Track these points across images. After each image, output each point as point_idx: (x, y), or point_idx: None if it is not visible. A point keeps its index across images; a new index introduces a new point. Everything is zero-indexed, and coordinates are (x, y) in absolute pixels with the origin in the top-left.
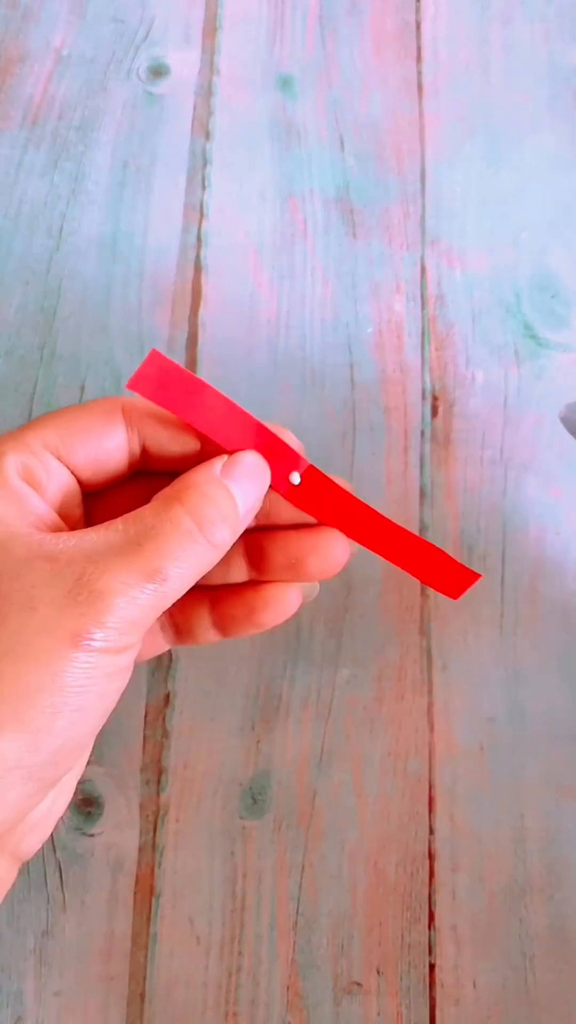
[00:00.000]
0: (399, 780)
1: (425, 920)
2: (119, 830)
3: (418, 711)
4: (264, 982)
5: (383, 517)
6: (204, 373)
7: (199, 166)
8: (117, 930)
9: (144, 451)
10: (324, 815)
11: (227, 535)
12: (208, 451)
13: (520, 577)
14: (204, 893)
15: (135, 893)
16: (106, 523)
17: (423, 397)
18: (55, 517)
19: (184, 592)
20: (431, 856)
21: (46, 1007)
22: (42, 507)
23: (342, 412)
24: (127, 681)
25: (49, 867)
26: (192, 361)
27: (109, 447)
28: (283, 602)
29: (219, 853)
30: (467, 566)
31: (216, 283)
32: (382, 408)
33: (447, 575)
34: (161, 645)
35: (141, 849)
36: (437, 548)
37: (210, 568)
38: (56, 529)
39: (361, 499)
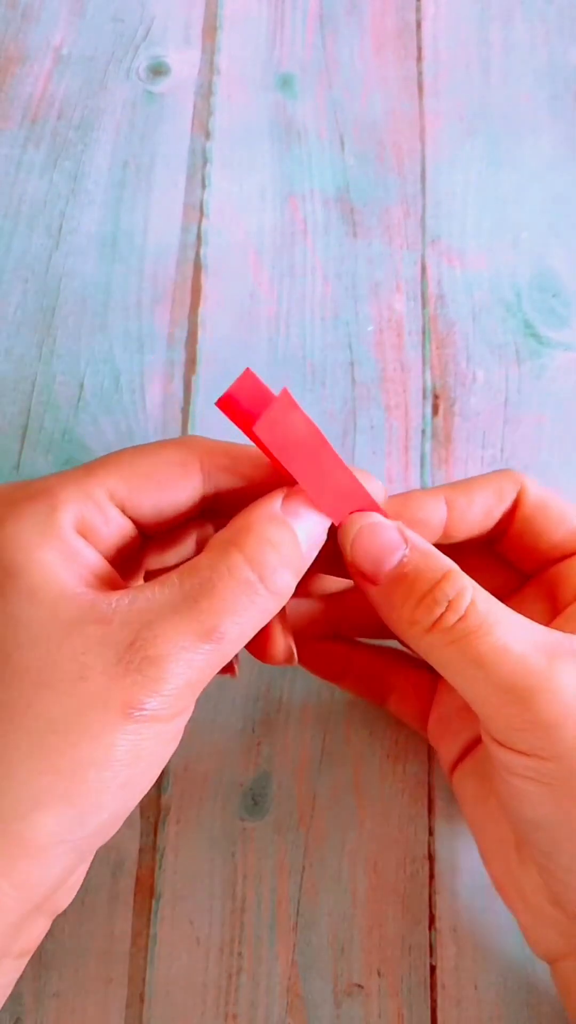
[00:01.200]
0: (399, 781)
1: (426, 921)
2: (119, 831)
3: None
4: (264, 983)
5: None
6: (204, 373)
7: (199, 165)
8: (117, 931)
9: (216, 496)
10: (324, 816)
11: (290, 580)
12: (273, 482)
13: None
14: (204, 894)
15: (135, 894)
16: (162, 577)
17: (423, 396)
18: (108, 569)
19: (245, 644)
20: (431, 857)
21: (45, 1008)
22: (96, 560)
23: (342, 411)
24: (177, 744)
25: None
26: (192, 360)
27: (181, 500)
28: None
29: (219, 854)
30: None
31: (216, 282)
32: (382, 407)
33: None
34: None
35: (141, 850)
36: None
37: (272, 617)
38: (110, 583)
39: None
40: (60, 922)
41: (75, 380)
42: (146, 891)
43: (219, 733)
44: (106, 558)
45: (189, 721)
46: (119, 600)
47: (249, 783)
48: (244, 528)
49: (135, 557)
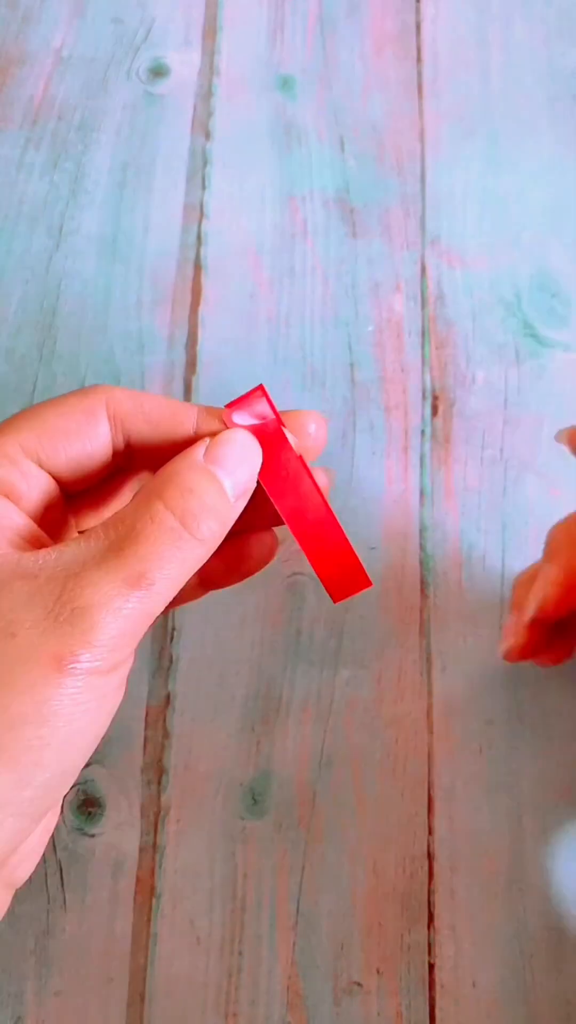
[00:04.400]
0: (399, 780)
1: (425, 920)
2: (120, 831)
3: (418, 712)
4: (264, 982)
5: (324, 503)
6: (204, 373)
7: (199, 166)
8: (117, 930)
9: (129, 446)
10: (324, 815)
11: (215, 527)
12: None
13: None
14: (204, 893)
15: (135, 893)
16: (88, 531)
17: (423, 396)
18: (35, 530)
19: (176, 592)
20: (430, 856)
21: (46, 1007)
22: (21, 520)
23: (342, 412)
24: (121, 699)
25: (49, 867)
26: (192, 361)
27: (93, 448)
28: (264, 548)
29: (219, 853)
30: (365, 572)
31: (216, 283)
32: (382, 408)
33: (342, 573)
34: None
35: (142, 850)
36: (347, 542)
37: (203, 563)
38: (38, 542)
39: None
40: (61, 921)
41: (76, 381)
42: (146, 891)
43: (219, 732)
44: (31, 517)
45: (189, 720)
46: (45, 556)
47: (249, 782)
48: (167, 478)
49: (62, 515)
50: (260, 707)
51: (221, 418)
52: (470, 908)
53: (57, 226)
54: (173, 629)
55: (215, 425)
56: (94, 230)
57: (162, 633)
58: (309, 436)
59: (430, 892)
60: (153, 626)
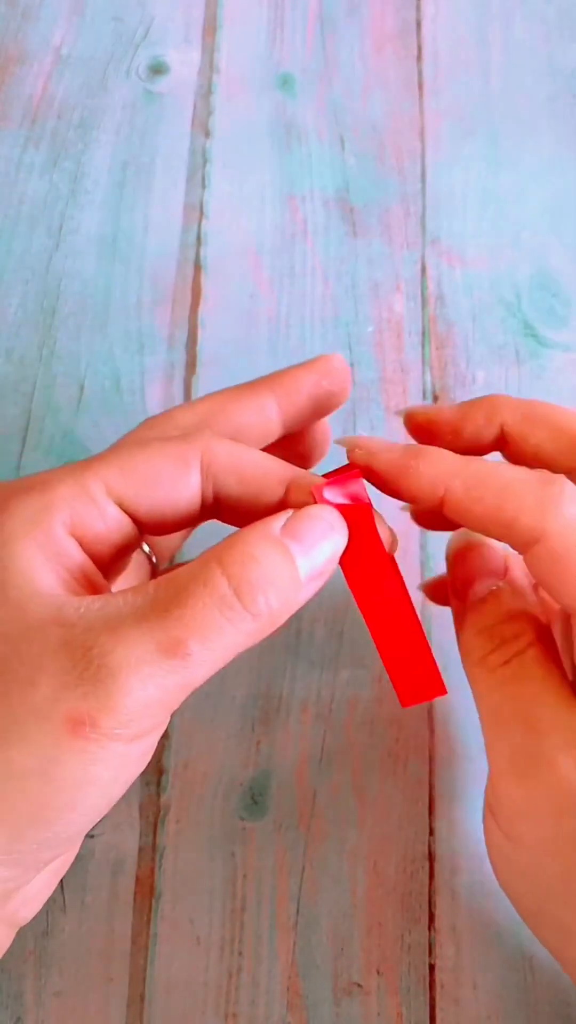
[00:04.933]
0: (399, 781)
1: (425, 921)
2: (119, 831)
3: (418, 712)
4: (264, 982)
5: (406, 598)
6: (204, 373)
7: (199, 165)
8: (117, 931)
9: (218, 501)
10: (324, 815)
11: (275, 604)
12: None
13: None
14: (204, 894)
15: (135, 894)
16: (139, 585)
17: (423, 397)
18: (95, 573)
19: (219, 667)
20: (431, 857)
21: (45, 1008)
22: (82, 562)
23: (342, 412)
24: (144, 766)
25: None
26: (192, 361)
27: (180, 496)
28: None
29: (219, 854)
30: (441, 679)
31: (216, 283)
32: (382, 408)
33: (416, 677)
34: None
35: (141, 850)
36: (427, 645)
37: (254, 642)
38: (93, 587)
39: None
40: (61, 922)
41: (75, 381)
42: (146, 891)
43: (219, 732)
44: (101, 556)
45: (188, 719)
46: (89, 604)
47: (249, 782)
48: (232, 542)
49: (131, 566)
50: (260, 707)
51: (311, 491)
52: (470, 908)
53: (57, 226)
54: None
55: (304, 497)
56: (94, 230)
57: None
58: (335, 372)
59: (430, 892)
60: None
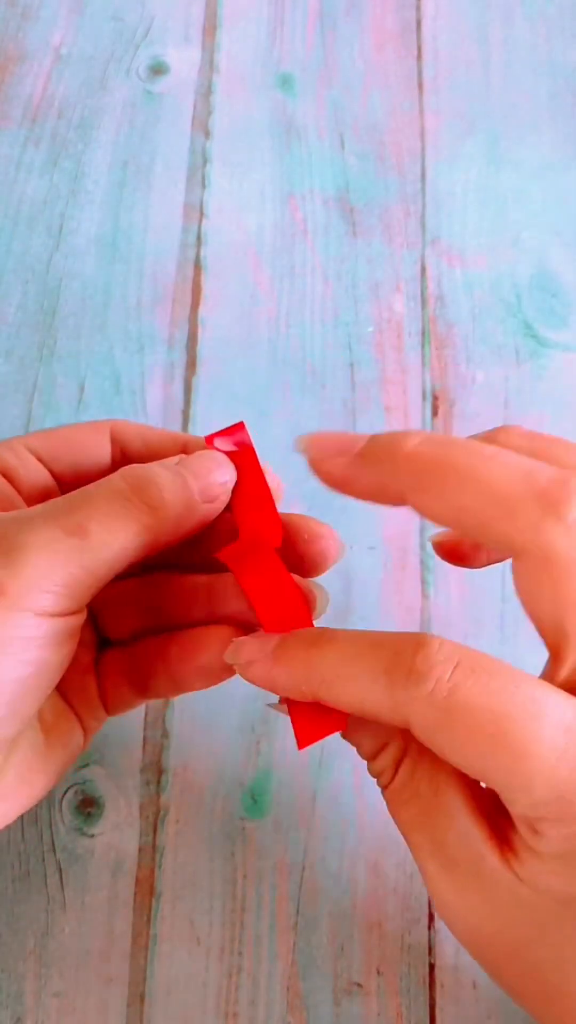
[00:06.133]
0: None
1: (425, 921)
2: (119, 831)
3: None
4: (264, 982)
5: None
6: (204, 373)
7: (199, 165)
8: (117, 931)
9: (125, 459)
10: (324, 815)
11: (167, 498)
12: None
13: None
14: (204, 894)
15: (135, 894)
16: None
17: (423, 397)
18: (19, 502)
19: (119, 561)
20: None
21: (45, 1008)
22: (10, 492)
23: (342, 412)
24: (62, 660)
25: (49, 868)
26: (192, 361)
27: (91, 458)
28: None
29: (219, 854)
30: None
31: (216, 282)
32: (382, 408)
33: (315, 713)
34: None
35: (141, 850)
36: (310, 620)
37: (153, 540)
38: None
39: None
40: (61, 922)
41: (75, 382)
42: (146, 891)
43: (219, 732)
44: (27, 500)
45: (188, 719)
46: (10, 512)
47: (249, 782)
48: (132, 466)
49: None
50: (260, 707)
51: (204, 440)
52: None
53: (57, 226)
54: None
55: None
56: (94, 230)
57: None
58: (305, 544)
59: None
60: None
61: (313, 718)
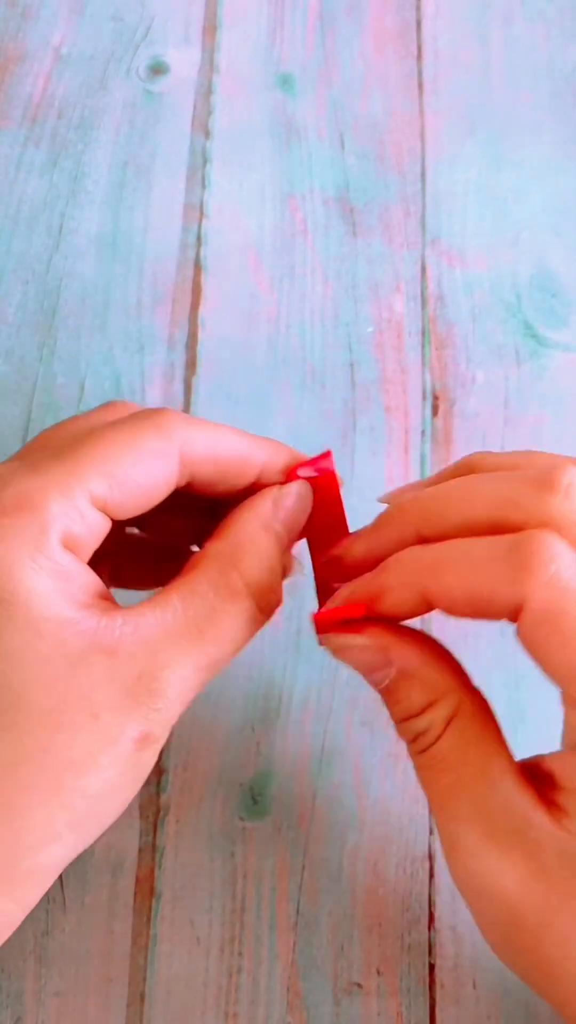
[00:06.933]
0: (399, 780)
1: (425, 921)
2: (119, 831)
3: None
4: (264, 982)
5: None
6: (204, 373)
7: (199, 165)
8: (117, 931)
9: (190, 486)
10: (324, 815)
11: (278, 599)
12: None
13: None
14: (204, 894)
15: (135, 894)
16: (161, 600)
17: (423, 397)
18: (97, 583)
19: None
20: (431, 857)
21: (45, 1007)
22: (86, 577)
23: (342, 412)
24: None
25: None
26: (192, 361)
27: (158, 495)
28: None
29: (219, 854)
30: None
31: (216, 282)
32: (382, 408)
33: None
34: None
35: (141, 850)
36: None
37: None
38: (100, 596)
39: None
40: (61, 922)
41: (75, 382)
42: (146, 891)
43: (219, 732)
44: (84, 557)
45: (189, 719)
46: (122, 628)
47: (249, 782)
48: (241, 544)
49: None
50: (260, 707)
51: (290, 471)
52: None
53: (57, 226)
54: None
55: (275, 478)
56: (94, 230)
57: None
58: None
59: (431, 892)
60: None
61: (337, 612)
